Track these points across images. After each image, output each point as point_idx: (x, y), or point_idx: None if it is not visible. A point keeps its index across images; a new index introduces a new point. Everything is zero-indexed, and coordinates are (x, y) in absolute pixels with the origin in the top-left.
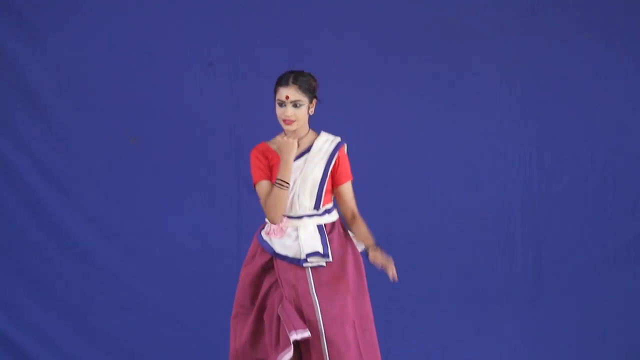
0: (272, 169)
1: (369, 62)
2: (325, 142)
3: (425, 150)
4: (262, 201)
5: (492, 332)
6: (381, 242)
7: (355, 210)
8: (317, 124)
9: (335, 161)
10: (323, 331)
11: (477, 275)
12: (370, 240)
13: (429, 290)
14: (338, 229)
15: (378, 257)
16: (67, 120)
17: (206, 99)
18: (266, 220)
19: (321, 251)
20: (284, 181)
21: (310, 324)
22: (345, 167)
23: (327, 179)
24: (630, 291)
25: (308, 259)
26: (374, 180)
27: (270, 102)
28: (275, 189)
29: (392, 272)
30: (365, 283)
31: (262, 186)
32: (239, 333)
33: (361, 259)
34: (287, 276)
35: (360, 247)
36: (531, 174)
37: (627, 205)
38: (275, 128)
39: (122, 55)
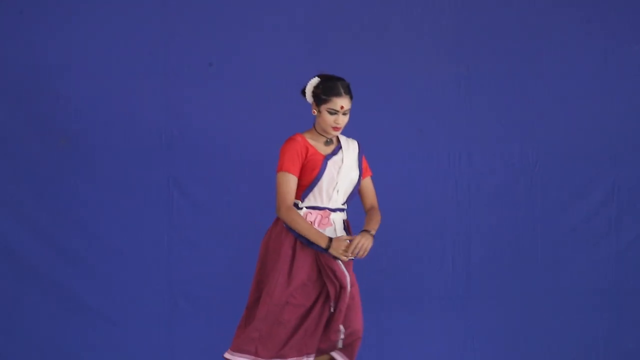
0: (303, 165)
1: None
2: (348, 143)
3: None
4: (279, 189)
5: (420, 331)
6: None
7: (375, 202)
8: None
9: (364, 163)
10: (349, 292)
11: (409, 274)
12: (370, 226)
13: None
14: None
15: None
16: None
17: (137, 98)
18: (301, 212)
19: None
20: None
21: (344, 289)
22: (366, 164)
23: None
24: (555, 291)
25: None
26: None
27: (201, 101)
28: (308, 232)
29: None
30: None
31: (288, 179)
32: (286, 320)
33: None
34: (330, 264)
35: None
36: (462, 172)
37: (555, 206)
38: (207, 126)
39: (53, 55)
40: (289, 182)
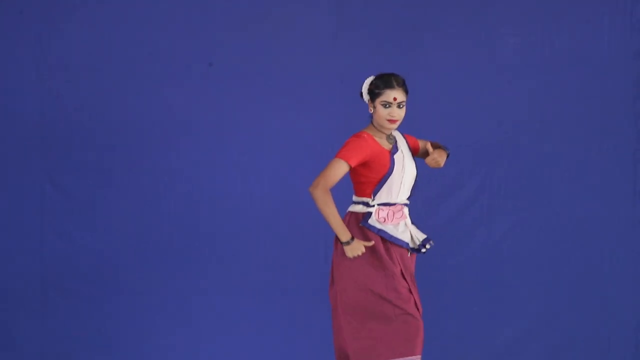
0: (368, 162)
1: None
2: (399, 137)
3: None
4: (327, 170)
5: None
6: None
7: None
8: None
9: (412, 145)
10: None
11: (280, 268)
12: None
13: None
14: None
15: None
16: None
17: (15, 93)
18: (372, 210)
19: (423, 238)
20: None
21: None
22: (412, 137)
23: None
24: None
25: (426, 246)
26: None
27: (83, 98)
28: (333, 220)
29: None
30: None
31: (341, 166)
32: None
33: None
34: (405, 263)
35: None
36: None
37: (430, 199)
38: (82, 120)
39: None
40: (340, 170)
